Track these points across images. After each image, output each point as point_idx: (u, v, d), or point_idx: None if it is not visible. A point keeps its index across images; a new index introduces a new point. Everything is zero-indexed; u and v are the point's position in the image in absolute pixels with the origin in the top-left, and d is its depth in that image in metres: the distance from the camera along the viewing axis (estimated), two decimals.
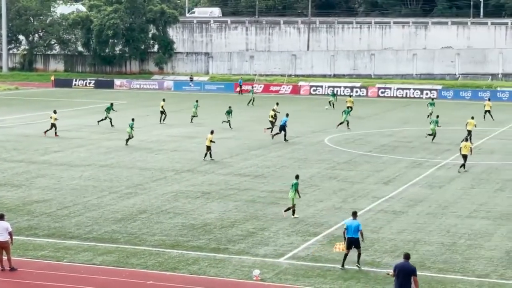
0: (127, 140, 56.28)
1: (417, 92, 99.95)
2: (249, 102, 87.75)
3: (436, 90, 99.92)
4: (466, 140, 48.58)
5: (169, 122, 68.64)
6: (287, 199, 38.39)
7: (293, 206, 34.90)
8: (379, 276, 26.75)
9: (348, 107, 71.90)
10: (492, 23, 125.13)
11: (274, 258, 28.87)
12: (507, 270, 27.56)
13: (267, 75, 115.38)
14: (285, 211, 35.17)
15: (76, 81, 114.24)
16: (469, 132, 57.28)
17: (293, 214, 35.02)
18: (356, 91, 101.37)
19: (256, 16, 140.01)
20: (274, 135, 59.51)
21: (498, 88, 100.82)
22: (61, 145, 55.62)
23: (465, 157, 46.45)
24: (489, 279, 26.70)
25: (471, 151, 46.88)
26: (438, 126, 59.40)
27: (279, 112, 66.26)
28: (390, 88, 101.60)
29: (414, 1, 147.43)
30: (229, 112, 66.12)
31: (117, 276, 26.69)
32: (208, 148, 49.87)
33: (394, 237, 31.79)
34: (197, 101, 73.49)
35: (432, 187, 42.12)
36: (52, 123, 60.46)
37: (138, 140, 57.68)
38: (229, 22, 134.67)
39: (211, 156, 49.94)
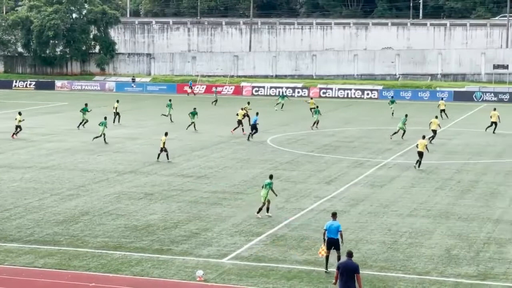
0: (102, 137, 56.83)
1: (358, 93, 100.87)
2: (213, 102, 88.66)
3: (377, 90, 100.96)
4: (423, 137, 49.10)
5: (111, 124, 68.15)
6: (230, 200, 38.55)
7: (268, 203, 35.04)
8: (322, 275, 26.95)
9: (315, 107, 71.45)
10: (431, 24, 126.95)
11: (217, 258, 28.89)
12: (447, 268, 27.97)
13: (209, 76, 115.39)
14: (258, 212, 35.21)
15: (16, 82, 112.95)
16: (434, 131, 58.84)
17: (267, 211, 35.22)
18: (298, 92, 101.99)
19: (198, 17, 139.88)
20: (249, 135, 59.78)
21: (438, 88, 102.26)
22: (1, 147, 54.90)
23: (420, 154, 47.21)
24: (429, 276, 27.06)
25: (426, 148, 47.60)
26: (405, 124, 60.09)
27: (250, 109, 67.02)
28: (331, 89, 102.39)
29: (354, 2, 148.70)
30: (193, 114, 65.30)
31: (59, 278, 26.46)
32: (163, 149, 49.62)
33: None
34: (170, 100, 73.89)
35: (374, 187, 42.55)
36: (17, 125, 59.65)
37: (80, 141, 57.21)
38: (171, 23, 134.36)
39: (157, 158, 49.85)
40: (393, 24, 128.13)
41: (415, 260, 28.88)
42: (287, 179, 44.23)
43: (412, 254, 29.65)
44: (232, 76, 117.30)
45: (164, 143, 49.59)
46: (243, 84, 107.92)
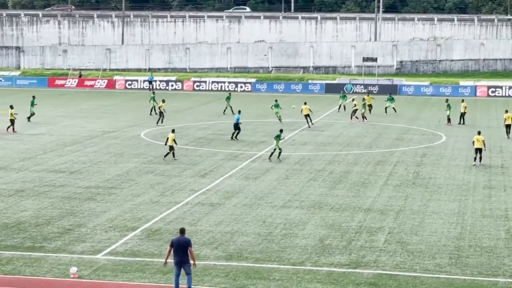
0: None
1: (232, 85, 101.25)
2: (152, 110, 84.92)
3: (250, 83, 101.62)
4: (479, 133, 48.02)
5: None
6: (104, 194, 38.15)
7: (275, 151, 47.93)
8: (198, 268, 26.94)
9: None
10: (302, 18, 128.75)
11: (91, 254, 28.51)
12: (320, 257, 28.44)
13: (81, 70, 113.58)
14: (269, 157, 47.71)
15: None
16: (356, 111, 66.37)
17: (270, 156, 48.15)
18: (172, 85, 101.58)
19: (69, 10, 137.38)
20: (233, 136, 56.89)
21: (310, 81, 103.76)
22: None
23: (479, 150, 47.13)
24: (303, 266, 27.46)
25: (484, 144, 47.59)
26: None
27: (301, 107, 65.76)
28: (205, 82, 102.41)
29: None
30: (276, 106, 66.44)
31: None
32: (171, 148, 47.95)
33: (212, 229, 32.13)
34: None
35: (248, 179, 42.85)
36: (11, 119, 58.63)
37: None
38: (40, 15, 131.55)
39: (174, 156, 48.19)
40: (265, 17, 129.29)
41: (290, 250, 29.25)
42: (162, 173, 44.04)
43: (287, 245, 30.01)
44: (105, 70, 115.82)
45: (173, 140, 47.86)
46: (116, 77, 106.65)
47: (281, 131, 49.69)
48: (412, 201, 37.76)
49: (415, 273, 26.82)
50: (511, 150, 53.41)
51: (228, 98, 74.10)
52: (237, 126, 57.08)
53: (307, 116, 64.10)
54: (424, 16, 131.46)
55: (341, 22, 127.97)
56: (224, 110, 73.22)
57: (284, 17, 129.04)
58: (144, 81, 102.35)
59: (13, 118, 59.04)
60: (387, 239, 30.92)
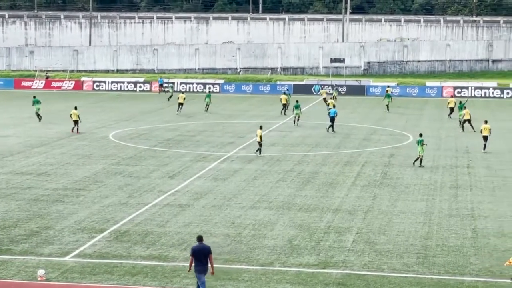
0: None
1: (200, 87, 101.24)
2: (169, 98, 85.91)
3: (218, 84, 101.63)
4: (486, 122, 52.99)
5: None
6: (72, 196, 37.95)
7: (421, 157, 46.79)
8: (167, 269, 26.93)
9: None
10: (270, 19, 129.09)
11: (59, 257, 28.34)
12: (289, 258, 28.51)
13: (48, 71, 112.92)
14: (414, 162, 47.09)
15: None
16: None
17: (421, 163, 46.89)
18: (140, 86, 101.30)
19: (35, 11, 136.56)
20: (331, 128, 62.13)
21: (278, 82, 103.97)
22: None
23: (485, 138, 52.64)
24: (272, 267, 27.50)
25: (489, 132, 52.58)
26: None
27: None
28: (173, 83, 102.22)
29: None
30: (297, 107, 66.89)
31: None
32: (260, 144, 50.46)
33: (181, 230, 32.10)
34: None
35: (217, 180, 42.84)
36: (74, 120, 59.43)
37: None
38: (6, 16, 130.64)
39: (259, 152, 50.57)
40: (233, 18, 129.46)
41: (259, 251, 29.29)
42: (130, 174, 43.91)
43: (256, 245, 30.05)
44: (72, 71, 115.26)
45: (260, 137, 50.29)
46: (83, 79, 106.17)
47: (420, 135, 48.48)
48: (380, 201, 37.98)
49: (383, 273, 26.98)
50: (477, 150, 53.89)
51: (296, 107, 68.64)
52: (333, 119, 61.82)
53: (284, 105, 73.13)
54: (391, 17, 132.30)
55: (309, 23, 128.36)
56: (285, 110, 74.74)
57: (252, 18, 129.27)
58: (112, 82, 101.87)
59: (77, 119, 59.64)
60: (355, 239, 31.07)
